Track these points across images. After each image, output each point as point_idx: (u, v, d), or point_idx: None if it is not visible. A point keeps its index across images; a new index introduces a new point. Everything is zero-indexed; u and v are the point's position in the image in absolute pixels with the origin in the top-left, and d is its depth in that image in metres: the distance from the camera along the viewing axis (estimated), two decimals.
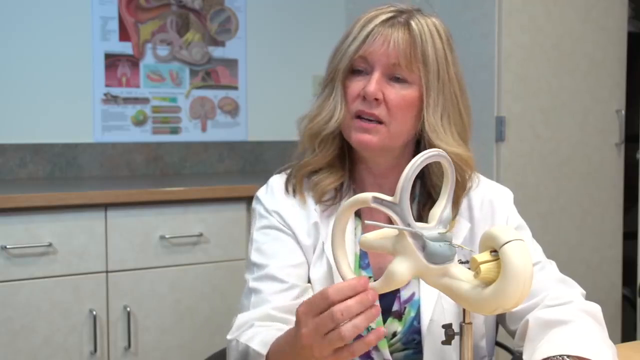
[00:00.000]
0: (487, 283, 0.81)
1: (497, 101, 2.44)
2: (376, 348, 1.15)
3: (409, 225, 0.81)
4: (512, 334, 1.16)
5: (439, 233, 0.83)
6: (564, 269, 1.21)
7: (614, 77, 2.68)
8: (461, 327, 0.93)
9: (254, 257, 1.20)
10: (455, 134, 1.15)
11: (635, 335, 2.64)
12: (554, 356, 0.97)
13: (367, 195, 0.83)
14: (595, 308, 1.10)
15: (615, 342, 1.05)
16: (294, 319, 0.90)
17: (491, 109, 2.44)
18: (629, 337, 2.72)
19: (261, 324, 1.07)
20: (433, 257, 0.82)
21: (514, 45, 2.44)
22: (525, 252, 0.80)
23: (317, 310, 0.83)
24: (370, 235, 0.88)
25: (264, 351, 0.98)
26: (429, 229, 0.84)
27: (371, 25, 1.14)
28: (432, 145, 1.13)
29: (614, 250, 2.71)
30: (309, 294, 1.15)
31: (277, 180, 1.25)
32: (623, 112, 2.70)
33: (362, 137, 1.14)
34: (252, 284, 1.17)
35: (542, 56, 2.51)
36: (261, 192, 1.26)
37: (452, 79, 1.15)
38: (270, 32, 3.10)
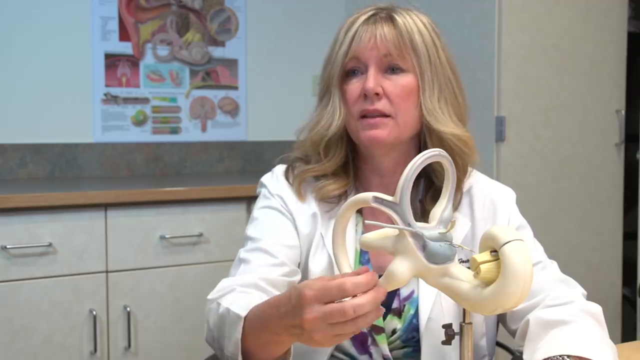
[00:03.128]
0: (487, 283, 0.81)
1: (497, 101, 2.44)
2: (375, 343, 1.15)
3: (409, 225, 0.81)
4: (512, 333, 1.16)
5: (439, 233, 0.83)
6: (564, 269, 1.21)
7: (614, 77, 2.68)
8: (461, 327, 0.93)
9: (250, 231, 1.22)
10: (453, 116, 1.17)
11: (635, 335, 2.64)
12: (554, 356, 0.97)
13: (368, 195, 0.83)
14: (596, 308, 1.10)
15: (615, 342, 1.05)
16: (278, 293, 0.89)
17: (491, 109, 2.44)
18: (629, 337, 2.72)
19: (244, 290, 1.07)
20: (433, 257, 0.82)
21: (514, 45, 2.44)
22: (525, 252, 0.79)
23: (330, 299, 0.82)
24: (371, 235, 0.88)
25: (243, 313, 0.97)
26: (430, 228, 0.84)
27: (355, 26, 1.16)
28: (432, 130, 1.15)
29: (614, 250, 2.71)
30: (297, 279, 1.16)
31: (282, 170, 1.27)
32: (623, 112, 2.70)
33: (372, 134, 1.14)
34: (242, 254, 1.19)
35: (542, 56, 2.51)
36: (266, 178, 1.28)
37: (444, 63, 1.17)
38: (270, 32, 3.10)
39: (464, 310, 0.92)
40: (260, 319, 0.95)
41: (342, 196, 1.21)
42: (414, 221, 0.82)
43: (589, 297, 1.15)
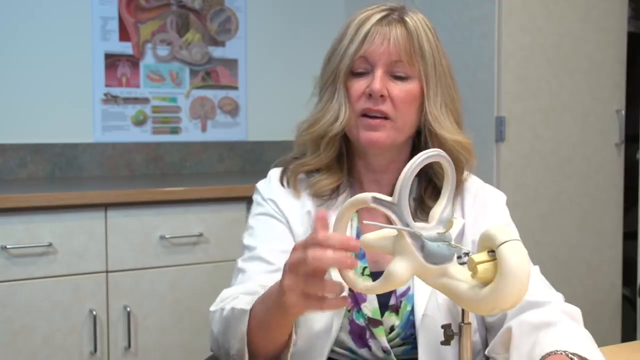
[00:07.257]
0: (485, 283, 0.81)
1: (497, 101, 2.44)
2: (373, 336, 1.16)
3: (407, 225, 0.81)
4: (486, 325, 1.17)
5: (437, 233, 0.83)
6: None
7: (614, 77, 2.68)
8: (460, 328, 0.93)
9: (246, 240, 1.25)
10: (452, 121, 1.20)
11: (635, 335, 2.64)
12: (555, 351, 0.96)
13: (367, 196, 0.83)
14: (575, 310, 1.10)
15: (615, 342, 1.06)
16: None
17: (491, 109, 2.44)
18: (629, 337, 2.72)
19: (246, 296, 1.09)
20: (432, 257, 0.82)
21: (514, 45, 2.44)
22: (522, 252, 0.80)
23: (310, 241, 0.84)
24: (371, 236, 0.88)
25: (248, 307, 1.00)
26: (428, 229, 0.84)
27: (368, 25, 1.16)
28: (434, 135, 1.17)
29: (614, 250, 2.71)
30: None
31: (276, 173, 1.28)
32: (623, 112, 2.70)
33: (371, 135, 1.16)
34: (240, 264, 1.22)
35: (542, 56, 2.51)
36: (260, 183, 1.30)
37: (445, 69, 1.20)
38: (270, 32, 3.10)
39: (462, 310, 0.92)
40: (262, 300, 0.98)
41: (335, 190, 1.23)
42: (413, 221, 0.82)
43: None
